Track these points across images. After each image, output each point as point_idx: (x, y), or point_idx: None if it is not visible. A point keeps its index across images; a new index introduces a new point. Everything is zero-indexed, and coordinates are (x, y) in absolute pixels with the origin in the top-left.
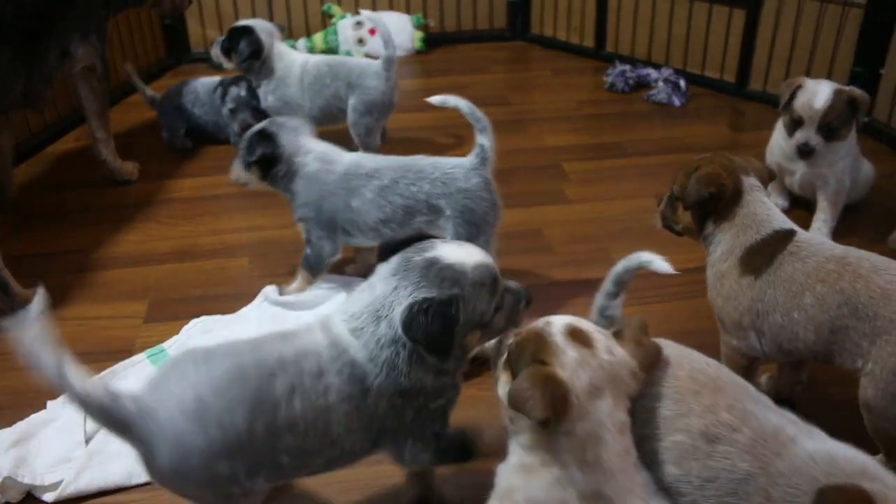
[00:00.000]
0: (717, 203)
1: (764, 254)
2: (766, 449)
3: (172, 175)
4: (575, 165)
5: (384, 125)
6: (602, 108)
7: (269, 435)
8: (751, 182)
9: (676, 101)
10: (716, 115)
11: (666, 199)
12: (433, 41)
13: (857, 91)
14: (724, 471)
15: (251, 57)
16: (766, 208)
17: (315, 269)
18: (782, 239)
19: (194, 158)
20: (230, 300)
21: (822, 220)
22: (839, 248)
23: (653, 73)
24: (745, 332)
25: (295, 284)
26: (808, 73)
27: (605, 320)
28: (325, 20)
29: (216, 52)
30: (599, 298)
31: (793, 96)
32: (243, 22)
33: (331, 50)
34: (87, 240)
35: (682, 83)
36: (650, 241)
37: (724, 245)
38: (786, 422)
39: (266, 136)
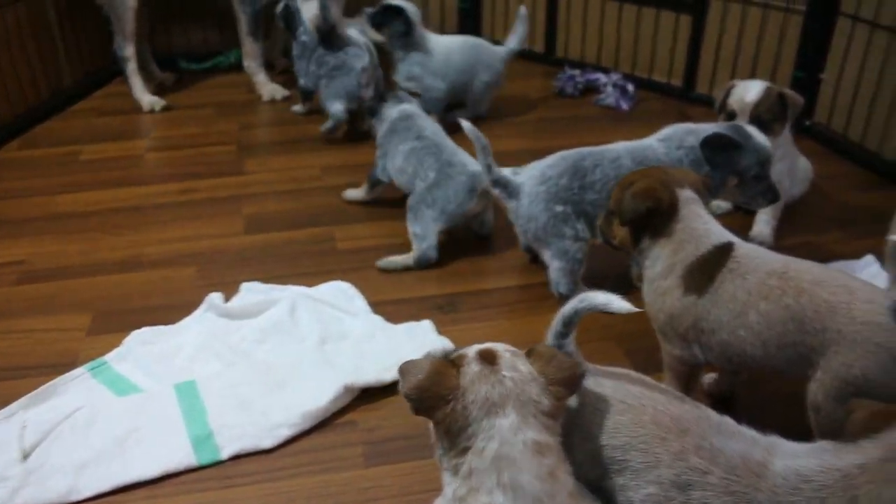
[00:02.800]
0: (652, 218)
1: (704, 272)
2: (741, 484)
3: (118, 183)
4: None
5: None
6: (552, 112)
7: (581, 190)
8: (687, 195)
9: (624, 105)
10: (663, 118)
11: (603, 214)
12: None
13: (788, 90)
14: None
15: (403, 35)
16: (703, 222)
17: (374, 181)
18: (721, 255)
19: (140, 166)
20: (175, 311)
21: (765, 220)
22: (778, 262)
23: (602, 77)
24: (689, 344)
25: (365, 186)
26: (752, 77)
27: None
28: None
29: (364, 23)
30: (550, 338)
31: (727, 95)
32: (395, 2)
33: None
34: (28, 251)
35: (630, 87)
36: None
37: (663, 262)
38: (749, 445)
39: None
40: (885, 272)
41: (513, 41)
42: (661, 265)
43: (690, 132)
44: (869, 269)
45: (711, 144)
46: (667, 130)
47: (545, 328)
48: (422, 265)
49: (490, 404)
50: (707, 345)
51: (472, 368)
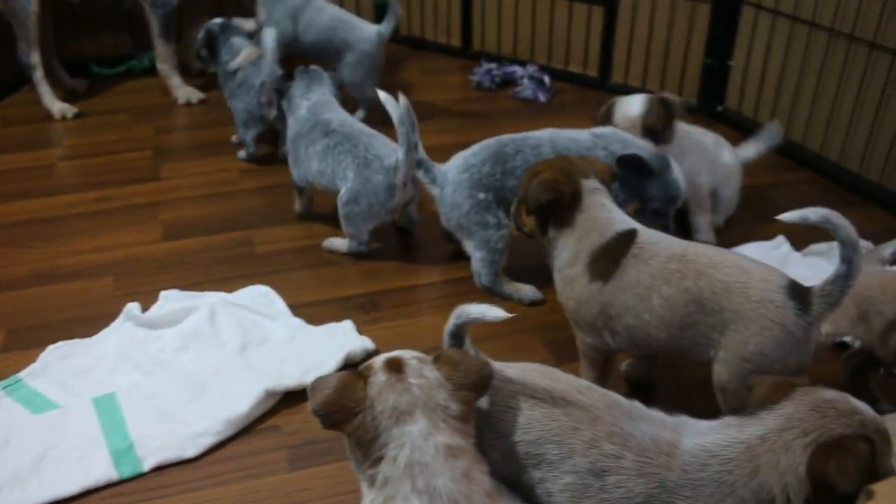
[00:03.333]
0: (556, 208)
1: (609, 258)
2: (653, 465)
3: (29, 194)
4: None
5: None
6: (470, 106)
7: (503, 175)
8: (591, 185)
9: (541, 97)
10: (580, 108)
11: (515, 202)
12: None
13: (666, 94)
14: (622, 500)
15: None
16: (606, 211)
17: (294, 186)
18: (625, 241)
19: (53, 176)
20: (93, 323)
21: (705, 230)
22: (678, 246)
23: (518, 70)
24: (599, 332)
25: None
26: (665, 66)
27: None
28: None
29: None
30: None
31: (609, 113)
32: None
33: (201, 57)
34: None
35: (546, 79)
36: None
37: (569, 250)
38: (659, 427)
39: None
40: (795, 252)
41: (383, 24)
42: (567, 254)
43: (621, 140)
44: (780, 249)
45: (626, 164)
46: (606, 129)
47: None
48: (353, 254)
49: (399, 413)
50: (615, 330)
51: (379, 379)
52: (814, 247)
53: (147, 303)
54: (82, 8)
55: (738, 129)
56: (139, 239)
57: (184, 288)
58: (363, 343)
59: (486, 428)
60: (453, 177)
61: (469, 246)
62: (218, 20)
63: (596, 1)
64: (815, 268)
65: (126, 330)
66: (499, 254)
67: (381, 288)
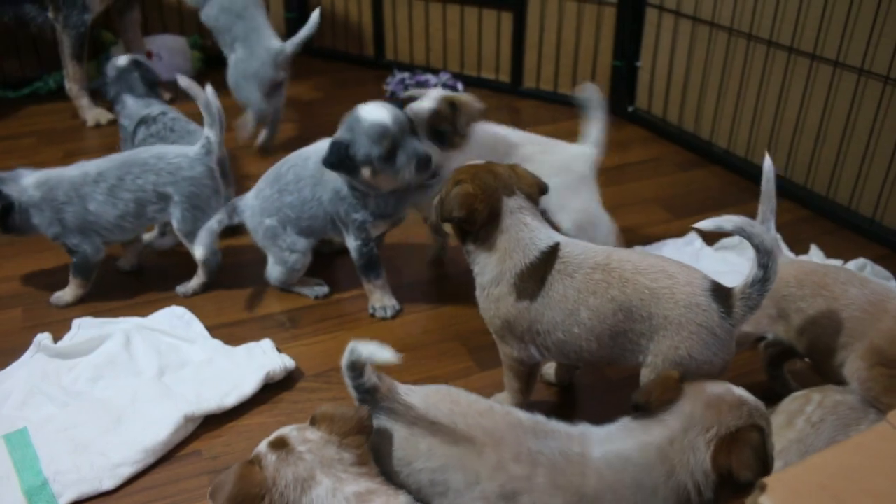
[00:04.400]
0: (470, 225)
1: (535, 278)
2: (568, 479)
3: None
4: None
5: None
6: None
7: (279, 194)
8: (513, 204)
9: None
10: (494, 115)
11: (438, 197)
12: (212, 61)
13: (461, 96)
14: None
15: None
16: (528, 231)
17: (86, 273)
18: (548, 258)
19: None
20: (1, 357)
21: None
22: (601, 254)
23: (431, 78)
24: (526, 346)
25: (69, 291)
26: (575, 69)
27: (367, 394)
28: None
29: None
30: (348, 381)
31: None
32: None
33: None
34: None
35: (460, 86)
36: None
37: (492, 270)
38: (565, 441)
39: None
40: (707, 247)
41: (290, 42)
42: (490, 273)
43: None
44: (693, 245)
45: (330, 158)
46: None
47: (391, 335)
48: (212, 278)
49: (301, 481)
50: (544, 345)
51: (270, 459)
52: (725, 241)
53: (59, 333)
54: None
55: (649, 129)
56: (48, 266)
57: (96, 315)
58: (283, 361)
59: (389, 457)
60: (250, 203)
61: (269, 259)
62: (123, 60)
63: (504, 7)
64: (726, 262)
65: (37, 362)
66: (297, 273)
67: (300, 304)
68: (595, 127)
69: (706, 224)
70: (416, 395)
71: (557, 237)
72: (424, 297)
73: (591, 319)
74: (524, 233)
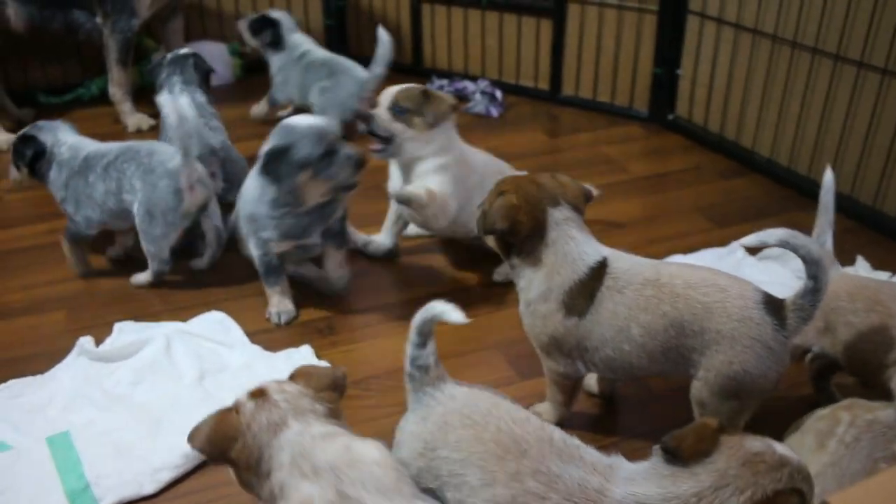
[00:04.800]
0: (515, 237)
1: (584, 294)
2: None
3: None
4: None
5: None
6: None
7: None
8: (559, 215)
9: (494, 112)
10: (533, 122)
11: (480, 209)
12: (252, 67)
13: (440, 93)
14: None
15: (274, 44)
16: (576, 245)
17: (74, 239)
18: (598, 274)
19: (1, 209)
20: (44, 359)
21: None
22: (650, 269)
23: (470, 85)
24: (573, 362)
25: (65, 250)
26: (614, 76)
27: (419, 370)
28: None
29: (243, 26)
30: (409, 349)
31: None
32: (272, 14)
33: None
34: None
35: (498, 94)
36: (474, 253)
37: (539, 286)
38: (588, 472)
39: (28, 139)
40: (750, 256)
41: (377, 66)
42: (536, 290)
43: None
44: (735, 255)
45: (268, 161)
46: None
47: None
48: (159, 279)
49: (273, 425)
50: (591, 361)
51: (248, 406)
52: (768, 251)
53: (101, 336)
54: (28, 37)
55: (690, 138)
56: (91, 271)
57: (138, 319)
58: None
59: (417, 439)
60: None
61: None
62: (182, 50)
63: (544, 14)
64: (769, 272)
65: (79, 365)
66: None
67: (338, 311)
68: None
69: (750, 240)
70: (460, 390)
71: (605, 251)
72: (460, 306)
73: (642, 336)
74: (571, 247)
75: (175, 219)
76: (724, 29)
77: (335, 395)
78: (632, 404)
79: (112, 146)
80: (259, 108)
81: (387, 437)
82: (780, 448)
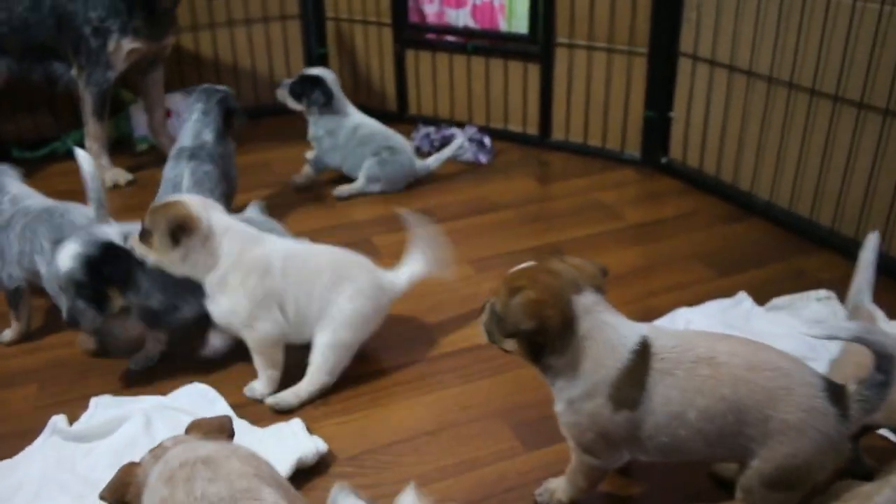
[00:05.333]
0: (543, 336)
1: (633, 383)
2: None
3: None
4: (385, 238)
5: None
6: None
7: None
8: (585, 303)
9: (483, 159)
10: (523, 168)
11: (489, 311)
12: None
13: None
14: None
15: (324, 104)
16: (612, 330)
17: (9, 301)
18: (643, 358)
19: None
20: (14, 439)
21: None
22: (702, 345)
23: (457, 132)
24: (620, 452)
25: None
26: (605, 120)
27: None
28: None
29: (283, 94)
30: None
31: None
32: (314, 72)
33: (125, 137)
34: None
35: (486, 140)
36: (469, 310)
37: (583, 383)
38: None
39: None
40: (758, 307)
41: (433, 160)
42: (580, 388)
43: None
44: (743, 306)
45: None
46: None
47: (427, 411)
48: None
49: (156, 455)
50: (642, 449)
51: (146, 457)
52: (776, 301)
53: (76, 413)
54: (6, 90)
55: (685, 181)
56: (66, 339)
57: (116, 392)
58: (315, 445)
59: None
60: None
61: None
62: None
63: (531, 58)
64: (779, 323)
65: (51, 446)
66: None
67: None
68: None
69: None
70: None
71: (642, 328)
72: (459, 370)
73: (699, 420)
74: (609, 333)
75: None
76: (718, 70)
77: (224, 437)
78: (648, 474)
79: (36, 204)
80: (303, 176)
81: None
82: None
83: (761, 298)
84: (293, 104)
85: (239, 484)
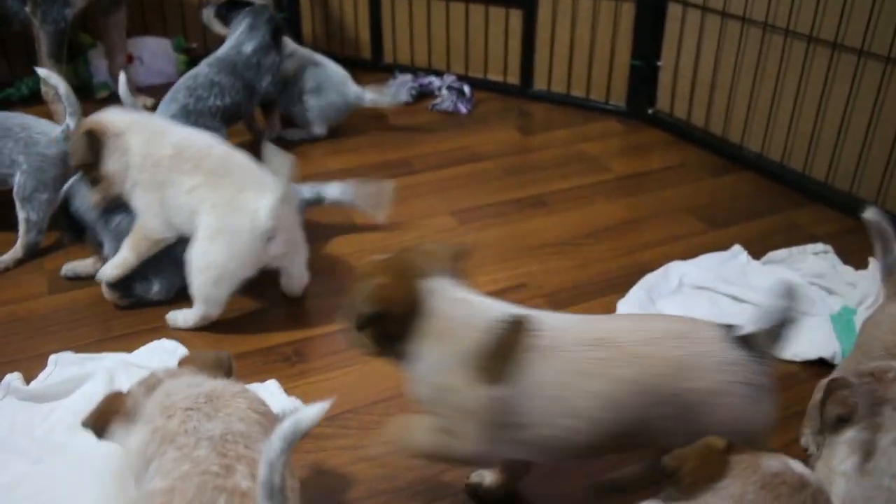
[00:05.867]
0: (390, 320)
1: (497, 357)
2: None
3: None
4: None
5: None
6: (385, 122)
7: None
8: (434, 284)
9: (462, 109)
10: (503, 118)
11: (344, 315)
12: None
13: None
14: None
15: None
16: (467, 306)
17: None
18: (513, 332)
19: None
20: None
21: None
22: (586, 326)
23: (435, 81)
24: (493, 446)
25: None
26: (590, 69)
27: None
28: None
29: (208, 16)
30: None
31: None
32: None
33: (84, 83)
34: None
35: (467, 89)
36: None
37: (433, 357)
38: None
39: None
40: (754, 261)
41: (374, 97)
42: (430, 361)
43: None
44: (738, 259)
45: None
46: None
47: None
48: (32, 251)
49: (148, 386)
50: (525, 443)
51: (135, 387)
52: (772, 254)
53: (33, 371)
54: None
55: (672, 132)
56: (21, 294)
57: (77, 349)
58: (293, 405)
59: None
60: None
61: None
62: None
63: (513, 4)
64: (776, 277)
65: (5, 408)
66: None
67: (307, 335)
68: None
69: None
70: None
71: (517, 310)
72: None
73: (593, 409)
74: (463, 309)
75: (61, 184)
76: (710, 17)
77: (221, 373)
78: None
79: None
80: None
81: (368, 484)
82: (797, 466)
83: (755, 252)
84: (220, 28)
85: (236, 426)
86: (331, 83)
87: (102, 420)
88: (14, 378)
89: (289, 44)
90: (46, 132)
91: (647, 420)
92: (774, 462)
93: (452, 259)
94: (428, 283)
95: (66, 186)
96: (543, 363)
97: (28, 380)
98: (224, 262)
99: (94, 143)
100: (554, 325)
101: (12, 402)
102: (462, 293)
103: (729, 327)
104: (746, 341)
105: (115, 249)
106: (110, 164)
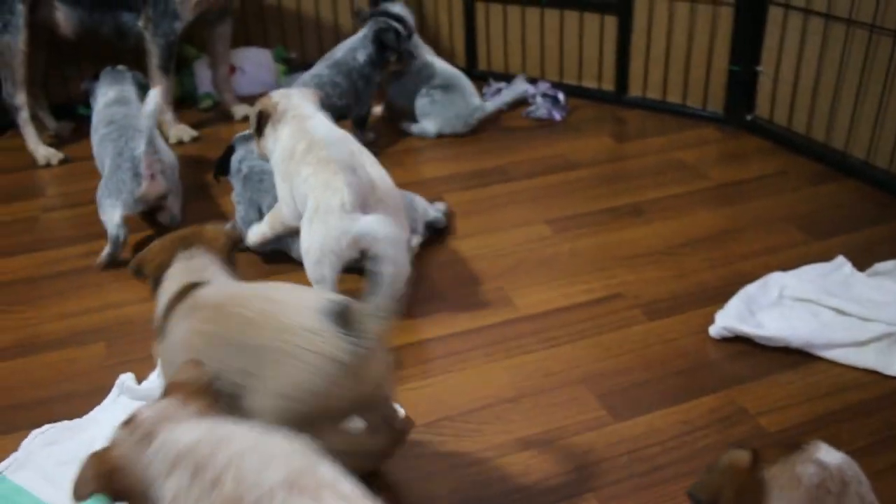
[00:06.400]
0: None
1: (164, 317)
2: None
3: (9, 252)
4: (457, 196)
5: None
6: (480, 130)
7: None
8: (187, 257)
9: (557, 116)
10: (598, 126)
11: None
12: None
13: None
14: None
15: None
16: (184, 275)
17: None
18: (179, 296)
19: (35, 230)
20: (83, 399)
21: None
22: (224, 292)
23: (529, 88)
24: None
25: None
26: (686, 75)
27: None
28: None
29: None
30: None
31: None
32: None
33: (188, 94)
34: None
35: (561, 96)
36: (548, 272)
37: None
38: None
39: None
40: (859, 272)
41: (494, 101)
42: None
43: None
44: (842, 271)
45: None
46: None
47: (506, 377)
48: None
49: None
50: None
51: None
52: (878, 266)
53: (144, 371)
54: (68, 47)
55: (771, 140)
56: (133, 296)
57: None
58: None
59: None
60: None
61: None
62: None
63: (608, 10)
64: (882, 289)
65: (120, 406)
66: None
67: (406, 341)
68: None
69: None
70: None
71: (209, 278)
72: (538, 333)
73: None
74: (181, 277)
75: (129, 198)
76: (812, 20)
77: (208, 400)
78: None
79: (118, 117)
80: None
81: (464, 493)
82: (831, 460)
83: (860, 264)
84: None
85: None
86: (459, 86)
87: (96, 487)
88: (127, 378)
89: (419, 43)
90: (133, 148)
91: (239, 373)
92: (810, 468)
93: (222, 241)
94: (183, 256)
95: (237, 136)
96: (174, 323)
97: (140, 380)
98: (319, 242)
99: (261, 120)
100: (211, 292)
101: (125, 401)
102: (196, 263)
103: (335, 301)
104: (343, 315)
105: (244, 214)
106: (263, 143)
